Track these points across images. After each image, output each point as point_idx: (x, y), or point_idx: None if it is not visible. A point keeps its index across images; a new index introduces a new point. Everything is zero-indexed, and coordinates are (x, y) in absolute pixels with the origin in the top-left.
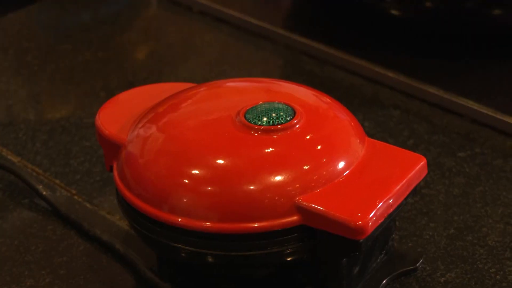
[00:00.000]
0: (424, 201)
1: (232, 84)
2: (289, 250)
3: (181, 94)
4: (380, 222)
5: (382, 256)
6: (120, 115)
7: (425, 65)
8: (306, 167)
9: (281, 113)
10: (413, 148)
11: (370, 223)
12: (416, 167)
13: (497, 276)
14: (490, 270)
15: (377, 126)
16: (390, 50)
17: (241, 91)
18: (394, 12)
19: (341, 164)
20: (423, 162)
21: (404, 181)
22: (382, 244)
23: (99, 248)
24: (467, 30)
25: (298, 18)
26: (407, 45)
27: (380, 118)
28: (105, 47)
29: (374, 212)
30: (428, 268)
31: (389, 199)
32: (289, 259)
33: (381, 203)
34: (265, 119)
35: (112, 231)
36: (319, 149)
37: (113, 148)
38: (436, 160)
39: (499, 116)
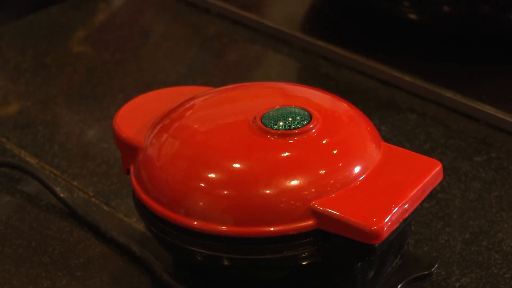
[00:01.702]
0: (440, 205)
1: (249, 88)
2: (304, 254)
3: (198, 98)
4: (395, 227)
5: (397, 260)
6: (138, 118)
7: (442, 69)
8: (321, 172)
9: (298, 118)
10: (429, 152)
11: (385, 228)
12: (432, 172)
13: None
14: (505, 275)
15: (394, 130)
16: (407, 54)
17: (258, 95)
18: (411, 16)
19: (356, 169)
20: (439, 167)
21: (420, 186)
22: (397, 248)
23: (115, 250)
24: (484, 34)
25: (315, 21)
26: (424, 49)
27: (396, 122)
28: (123, 49)
29: (389, 217)
30: (443, 272)
31: (405, 204)
32: (303, 263)
33: (396, 208)
34: (281, 123)
35: (129, 233)
36: (335, 153)
37: (130, 151)
38: (452, 164)
39: None
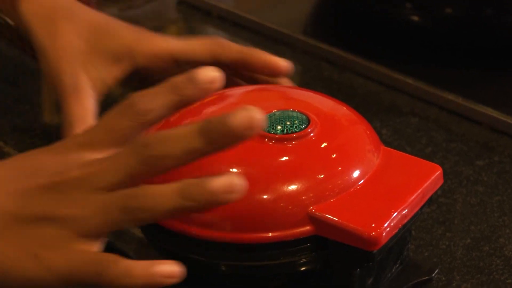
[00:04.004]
0: (441, 210)
1: (247, 91)
2: (302, 261)
3: None
4: (394, 232)
5: (397, 266)
6: None
7: (444, 72)
8: (320, 177)
9: (296, 122)
10: (431, 156)
11: (383, 234)
12: (431, 177)
13: None
14: (507, 281)
15: (395, 134)
16: (409, 58)
17: (256, 99)
18: (413, 20)
19: (355, 174)
20: (439, 171)
21: (419, 191)
22: (397, 254)
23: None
24: (486, 38)
25: (317, 24)
26: (426, 53)
27: (398, 126)
28: None
29: (388, 222)
30: (443, 278)
31: (404, 209)
32: (302, 269)
33: (395, 214)
34: (279, 127)
35: (126, 238)
36: (333, 158)
37: None
38: (454, 168)
39: None
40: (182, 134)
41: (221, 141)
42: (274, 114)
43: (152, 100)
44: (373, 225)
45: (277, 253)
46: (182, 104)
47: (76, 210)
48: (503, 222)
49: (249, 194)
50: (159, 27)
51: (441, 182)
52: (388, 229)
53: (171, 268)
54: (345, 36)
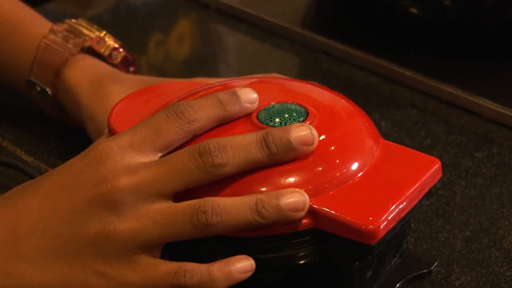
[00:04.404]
0: (440, 202)
1: (245, 83)
2: (300, 254)
3: (194, 94)
4: (392, 225)
5: (396, 259)
6: (134, 113)
7: (442, 64)
8: (318, 169)
9: (294, 114)
10: (430, 148)
11: (381, 227)
12: (430, 170)
13: None
14: (506, 273)
15: (394, 126)
16: (408, 50)
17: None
18: (412, 11)
19: (353, 166)
20: (437, 165)
21: (418, 184)
22: (396, 247)
23: None
24: (485, 29)
25: (315, 16)
26: (425, 45)
27: (397, 118)
28: None
29: (385, 215)
30: (443, 271)
31: (402, 202)
32: (300, 262)
33: (393, 207)
34: (277, 120)
35: None
36: (331, 151)
37: None
38: (453, 160)
39: None
40: (244, 143)
41: (281, 154)
42: (273, 107)
43: (200, 110)
44: (370, 218)
45: (276, 246)
46: (225, 119)
47: (132, 223)
48: (502, 214)
49: (248, 187)
50: (156, 21)
51: (440, 175)
52: (385, 222)
53: (246, 263)
54: (343, 28)
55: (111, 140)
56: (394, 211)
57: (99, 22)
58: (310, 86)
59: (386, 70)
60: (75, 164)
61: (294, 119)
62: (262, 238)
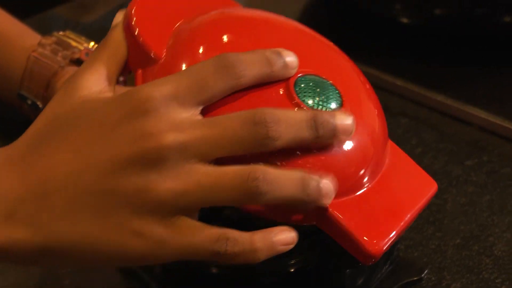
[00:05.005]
0: (431, 210)
1: (285, 24)
2: (297, 259)
3: (227, 21)
4: (389, 247)
5: (387, 266)
6: (157, 16)
7: (433, 73)
8: (343, 171)
9: (331, 95)
10: (421, 156)
11: (382, 251)
12: (429, 194)
13: (503, 286)
14: (496, 280)
15: None
16: (399, 58)
17: (291, 41)
18: (403, 19)
19: (371, 174)
20: (435, 189)
21: (418, 208)
22: (387, 254)
23: None
24: (476, 38)
25: (307, 23)
26: (416, 53)
27: (388, 126)
28: None
29: (387, 240)
30: (433, 278)
31: (402, 227)
32: (293, 268)
33: (393, 232)
34: (316, 99)
35: None
36: (356, 152)
37: (142, 56)
38: (444, 168)
39: (507, 124)
40: (296, 120)
41: (323, 138)
42: (310, 82)
43: (249, 66)
44: (375, 241)
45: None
46: (267, 79)
47: (175, 184)
48: (492, 222)
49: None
50: None
51: (432, 196)
52: (386, 246)
53: (289, 235)
54: (334, 36)
55: (152, 88)
56: (395, 235)
57: (99, 28)
58: (336, 55)
59: (377, 78)
60: (111, 113)
61: (331, 101)
62: None
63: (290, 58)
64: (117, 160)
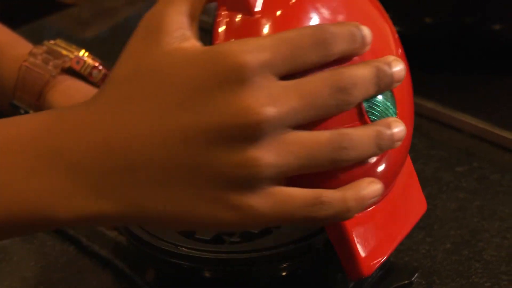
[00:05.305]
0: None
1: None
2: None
3: None
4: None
5: (378, 270)
6: None
7: (424, 80)
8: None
9: (387, 105)
10: (412, 163)
11: (371, 273)
12: (420, 215)
13: None
14: (485, 284)
15: None
16: None
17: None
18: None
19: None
20: (425, 209)
21: (410, 229)
22: None
23: (97, 263)
24: (465, 46)
25: None
26: (407, 61)
27: None
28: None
29: (379, 264)
30: (423, 282)
31: (394, 248)
32: (285, 272)
33: (386, 255)
34: (366, 103)
35: (111, 247)
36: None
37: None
38: (435, 174)
39: (497, 131)
40: (365, 79)
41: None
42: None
43: (339, 43)
44: (371, 263)
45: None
46: (349, 56)
47: (272, 155)
48: (482, 227)
49: None
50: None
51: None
52: (376, 268)
53: (377, 186)
54: None
55: (247, 54)
56: (386, 258)
57: (100, 41)
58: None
59: None
60: (201, 75)
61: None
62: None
63: (366, 32)
64: (211, 132)
